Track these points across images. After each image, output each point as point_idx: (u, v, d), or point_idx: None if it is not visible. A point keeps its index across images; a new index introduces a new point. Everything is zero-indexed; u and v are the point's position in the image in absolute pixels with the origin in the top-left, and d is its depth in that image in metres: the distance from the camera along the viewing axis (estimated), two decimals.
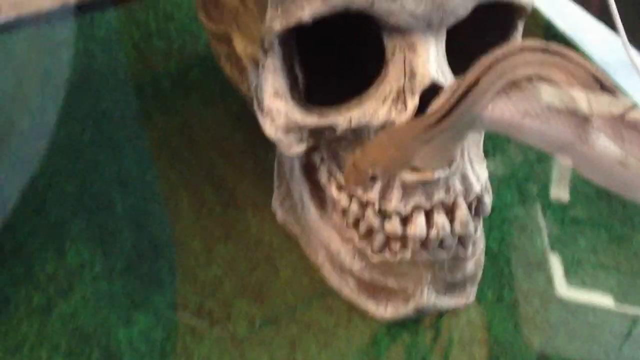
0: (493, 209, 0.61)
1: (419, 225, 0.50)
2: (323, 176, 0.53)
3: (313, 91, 0.52)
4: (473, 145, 0.52)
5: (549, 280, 0.58)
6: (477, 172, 0.52)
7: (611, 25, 0.68)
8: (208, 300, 0.54)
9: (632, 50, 0.69)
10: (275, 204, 0.58)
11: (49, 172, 0.59)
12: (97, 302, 0.53)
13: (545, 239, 0.60)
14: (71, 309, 0.52)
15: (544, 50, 0.39)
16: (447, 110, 0.41)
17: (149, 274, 0.55)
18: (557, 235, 0.60)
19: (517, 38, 0.53)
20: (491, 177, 0.62)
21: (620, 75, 0.70)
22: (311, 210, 0.55)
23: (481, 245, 0.57)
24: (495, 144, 0.65)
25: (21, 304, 0.52)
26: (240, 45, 0.52)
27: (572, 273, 0.58)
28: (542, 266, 0.59)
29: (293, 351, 0.51)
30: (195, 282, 0.54)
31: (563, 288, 0.58)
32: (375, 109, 0.48)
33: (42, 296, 0.53)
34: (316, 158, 0.53)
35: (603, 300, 0.57)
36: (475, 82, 0.40)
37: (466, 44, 0.51)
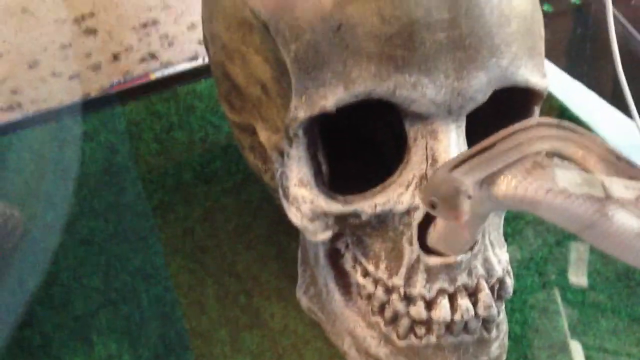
0: (514, 292, 0.61)
1: (443, 309, 0.50)
2: (348, 262, 0.54)
3: (336, 177, 0.53)
4: (493, 230, 0.53)
5: None
6: (498, 255, 0.52)
7: (625, 109, 0.70)
8: None
9: None
10: (300, 291, 0.59)
11: (73, 266, 0.60)
12: None
13: (566, 323, 0.60)
14: None
15: (559, 126, 0.41)
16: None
17: None
18: (577, 318, 0.60)
19: None
20: (511, 260, 0.62)
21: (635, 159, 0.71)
22: (336, 297, 0.55)
23: (504, 327, 0.57)
24: (515, 228, 0.65)
25: None
26: (263, 135, 0.54)
27: (594, 357, 0.57)
28: (565, 349, 0.58)
29: None
30: None
31: None
32: (399, 195, 0.48)
33: None
34: (341, 244, 0.54)
35: None
36: (491, 147, 0.41)
37: (484, 127, 0.52)
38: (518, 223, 0.65)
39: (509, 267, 0.55)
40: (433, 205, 0.40)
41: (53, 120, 0.68)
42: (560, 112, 0.74)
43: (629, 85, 0.69)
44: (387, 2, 0.44)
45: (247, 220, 0.64)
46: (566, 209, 0.40)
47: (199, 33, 0.75)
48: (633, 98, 0.68)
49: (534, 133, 0.41)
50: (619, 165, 0.40)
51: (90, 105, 0.71)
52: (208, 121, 0.73)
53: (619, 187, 0.39)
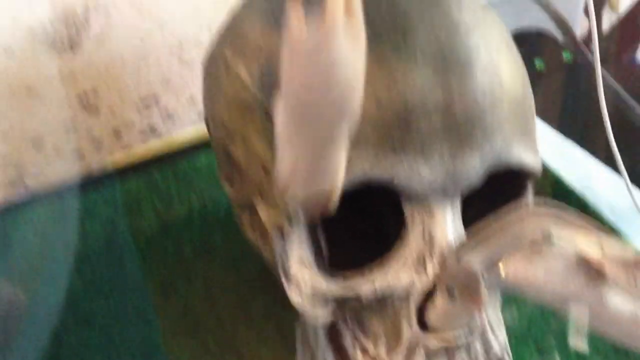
0: None
1: None
2: (347, 340, 0.54)
3: (336, 254, 0.53)
4: (491, 308, 0.53)
5: None
6: (496, 333, 0.52)
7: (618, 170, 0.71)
8: None
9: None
10: None
11: (75, 346, 0.60)
12: None
13: None
14: None
15: (550, 210, 0.41)
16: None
17: None
18: None
19: (528, 198, 0.55)
20: (508, 334, 0.62)
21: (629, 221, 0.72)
22: None
23: None
24: (511, 301, 0.65)
25: None
26: (264, 214, 0.54)
27: None
28: None
29: None
30: None
31: None
32: (398, 273, 0.49)
33: None
34: (340, 322, 0.54)
35: None
36: (484, 240, 0.42)
37: (480, 205, 0.53)
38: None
39: (507, 345, 0.55)
40: (451, 294, 0.41)
41: (55, 198, 0.69)
42: (554, 182, 0.75)
43: (621, 143, 0.70)
44: (382, 87, 0.45)
45: (247, 296, 0.64)
46: (564, 290, 0.41)
47: (198, 105, 0.77)
48: (625, 155, 0.69)
49: (527, 226, 0.42)
50: (607, 242, 0.41)
51: (91, 181, 0.72)
52: (207, 195, 0.74)
53: (613, 266, 0.40)
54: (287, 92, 0.28)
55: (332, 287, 0.50)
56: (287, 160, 0.30)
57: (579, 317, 0.41)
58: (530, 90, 0.53)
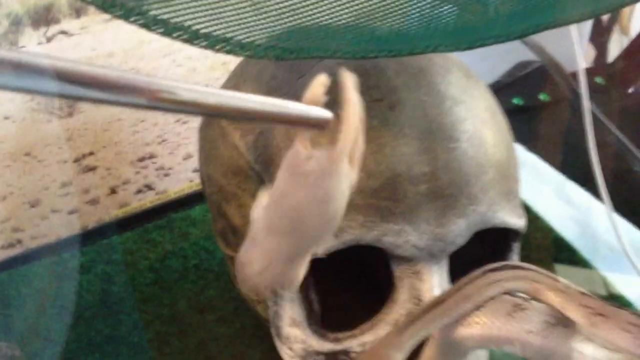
0: None
1: None
2: None
3: (327, 314, 0.55)
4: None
5: None
6: None
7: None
8: None
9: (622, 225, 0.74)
10: None
11: None
12: None
13: None
14: None
15: (507, 267, 0.44)
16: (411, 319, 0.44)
17: None
18: None
19: (514, 258, 0.57)
20: None
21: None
22: None
23: None
24: None
25: None
26: None
27: None
28: None
29: None
30: None
31: None
32: (385, 332, 0.50)
33: None
34: None
35: None
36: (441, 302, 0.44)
37: (467, 262, 0.55)
38: None
39: None
40: None
41: (52, 255, 0.70)
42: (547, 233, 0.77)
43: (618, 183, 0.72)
44: (371, 159, 0.47)
45: (241, 349, 0.65)
46: (545, 344, 0.42)
47: (194, 162, 0.78)
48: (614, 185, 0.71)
49: (483, 280, 0.44)
50: (569, 293, 0.43)
51: (87, 237, 0.73)
52: (202, 247, 0.75)
53: (577, 316, 0.42)
54: (278, 202, 0.31)
55: (323, 345, 0.52)
56: (255, 257, 0.33)
57: None
58: (515, 156, 0.55)
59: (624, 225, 0.79)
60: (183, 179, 0.78)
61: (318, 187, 0.30)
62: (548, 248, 0.77)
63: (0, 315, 0.65)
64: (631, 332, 0.39)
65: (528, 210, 0.77)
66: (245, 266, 0.34)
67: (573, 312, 0.41)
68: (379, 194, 0.48)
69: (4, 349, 0.58)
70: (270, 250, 0.32)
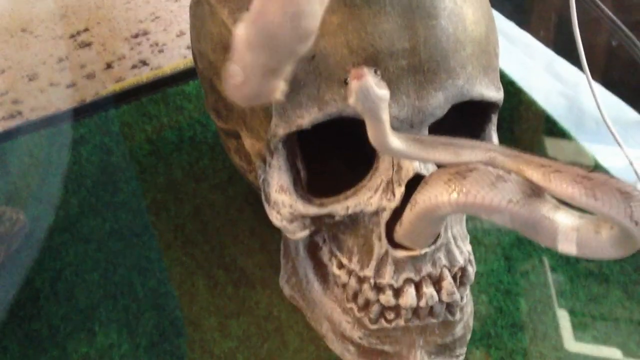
0: (481, 275, 0.67)
1: (410, 296, 0.56)
2: (325, 255, 0.60)
3: (313, 180, 0.59)
4: (456, 223, 0.58)
5: (533, 340, 0.64)
6: (460, 246, 0.58)
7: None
8: None
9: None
10: (282, 280, 0.64)
11: (75, 263, 0.65)
12: None
13: (553, 290, 0.65)
14: None
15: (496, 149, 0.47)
16: None
17: (170, 350, 0.60)
18: (563, 289, 0.66)
19: (492, 130, 0.60)
20: (479, 246, 0.68)
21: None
22: (314, 286, 0.61)
23: (469, 309, 0.63)
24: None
25: None
26: (248, 142, 0.59)
27: (581, 322, 0.64)
28: (524, 328, 0.65)
29: None
30: (211, 356, 0.60)
31: (561, 344, 0.64)
32: (369, 197, 0.54)
33: None
34: (319, 239, 0.60)
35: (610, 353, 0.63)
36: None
37: (447, 134, 0.58)
38: None
39: (472, 257, 0.61)
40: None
41: (51, 126, 0.73)
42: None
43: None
44: (354, 35, 0.49)
45: (234, 215, 0.69)
46: (520, 215, 0.46)
47: (187, 39, 0.80)
48: None
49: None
50: (525, 157, 0.46)
51: (85, 110, 0.76)
52: (196, 120, 0.78)
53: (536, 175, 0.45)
54: (255, 19, 0.33)
55: (309, 209, 0.55)
56: (236, 70, 0.35)
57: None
58: (495, 32, 0.57)
59: (610, 99, 0.81)
60: (177, 55, 0.80)
61: (291, 4, 0.32)
62: (534, 122, 0.79)
63: (3, 182, 0.68)
64: (581, 183, 0.42)
65: (515, 86, 0.80)
66: (229, 79, 0.37)
67: (531, 171, 0.44)
68: None
69: (8, 212, 0.62)
70: (249, 64, 0.35)
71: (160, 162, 0.73)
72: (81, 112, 0.75)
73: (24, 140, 0.72)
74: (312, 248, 0.61)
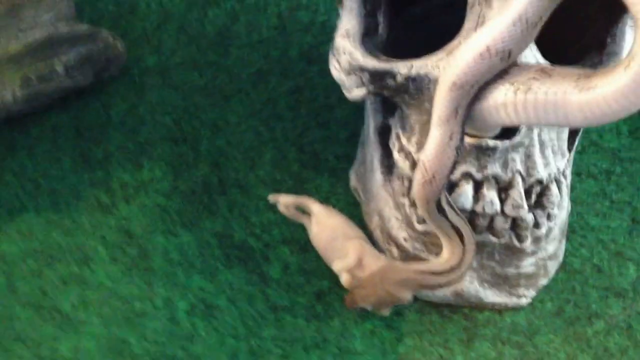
0: (592, 228, 0.55)
1: (464, 194, 0.47)
2: (392, 140, 0.52)
3: (396, 45, 0.51)
4: (552, 130, 0.48)
5: (624, 311, 0.52)
6: (547, 157, 0.48)
7: None
8: (252, 238, 0.54)
9: None
10: (352, 169, 0.58)
11: (154, 103, 0.61)
12: (151, 211, 0.55)
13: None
14: (127, 212, 0.55)
15: None
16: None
17: (207, 204, 0.56)
18: None
19: None
20: (604, 199, 0.56)
21: None
22: (376, 175, 0.54)
23: (550, 249, 0.52)
24: (626, 169, 0.59)
25: (87, 200, 0.56)
26: None
27: None
28: (624, 296, 0.53)
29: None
30: (247, 222, 0.55)
31: None
32: (438, 59, 0.46)
33: (108, 198, 0.56)
34: (391, 122, 0.52)
35: None
36: None
37: None
38: (632, 164, 0.59)
39: (564, 179, 0.50)
40: None
41: None
42: None
43: None
44: None
45: (334, 100, 0.63)
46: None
47: None
48: None
49: None
50: None
51: None
52: None
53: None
54: None
55: (368, 61, 0.48)
56: None
57: None
58: None
59: None
60: None
61: None
62: None
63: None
64: None
65: None
66: None
67: None
68: None
69: (105, 34, 0.61)
70: None
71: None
72: None
73: None
74: (383, 132, 0.53)
